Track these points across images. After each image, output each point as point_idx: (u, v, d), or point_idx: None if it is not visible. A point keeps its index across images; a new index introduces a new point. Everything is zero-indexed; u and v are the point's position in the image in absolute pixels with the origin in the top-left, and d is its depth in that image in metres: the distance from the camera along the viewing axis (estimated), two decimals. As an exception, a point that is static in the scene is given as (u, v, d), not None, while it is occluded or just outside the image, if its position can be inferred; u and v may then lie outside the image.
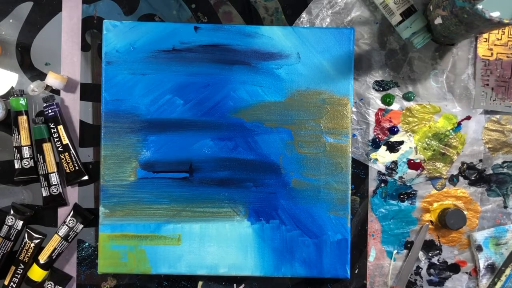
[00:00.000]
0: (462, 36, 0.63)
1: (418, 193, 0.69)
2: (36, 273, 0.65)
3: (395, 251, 0.69)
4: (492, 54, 0.68)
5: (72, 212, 0.66)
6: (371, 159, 0.68)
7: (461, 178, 0.69)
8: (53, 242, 0.66)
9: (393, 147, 0.68)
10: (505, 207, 0.69)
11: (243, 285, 0.69)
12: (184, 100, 0.65)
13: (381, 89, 0.68)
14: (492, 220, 0.69)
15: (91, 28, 0.68)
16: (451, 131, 0.68)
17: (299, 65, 0.65)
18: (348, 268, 0.65)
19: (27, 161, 0.66)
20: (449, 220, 0.65)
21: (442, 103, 0.68)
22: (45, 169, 0.66)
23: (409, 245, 0.69)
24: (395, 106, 0.68)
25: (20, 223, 0.65)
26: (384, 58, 0.68)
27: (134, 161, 0.65)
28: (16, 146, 0.66)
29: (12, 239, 0.65)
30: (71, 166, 0.67)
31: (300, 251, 0.65)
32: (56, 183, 0.66)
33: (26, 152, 0.66)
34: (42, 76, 0.68)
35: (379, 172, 0.69)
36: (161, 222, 0.65)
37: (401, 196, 0.69)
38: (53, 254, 0.66)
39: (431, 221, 0.69)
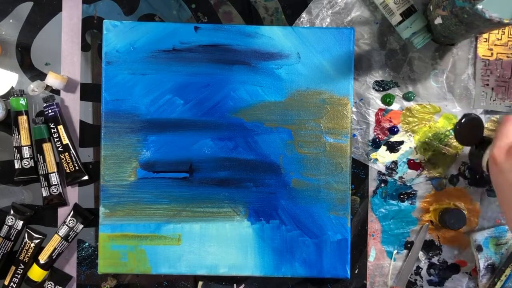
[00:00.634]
0: (462, 36, 0.63)
1: (418, 193, 0.69)
2: (36, 273, 0.65)
3: (395, 251, 0.69)
4: (492, 54, 0.68)
5: (72, 212, 0.66)
6: (371, 159, 0.68)
7: (461, 178, 0.69)
8: (53, 242, 0.66)
9: (393, 147, 0.68)
10: (505, 207, 0.69)
11: (243, 285, 0.69)
12: (184, 100, 0.65)
13: (381, 89, 0.68)
14: (492, 220, 0.69)
15: (91, 28, 0.68)
16: (451, 131, 0.68)
17: (299, 65, 0.65)
18: (348, 268, 0.65)
19: (27, 161, 0.66)
20: (449, 220, 0.65)
21: (442, 103, 0.68)
22: (45, 169, 0.66)
23: (409, 245, 0.69)
24: (395, 106, 0.68)
25: (20, 223, 0.65)
26: (384, 58, 0.68)
27: (134, 161, 0.65)
28: (16, 146, 0.66)
29: (12, 239, 0.65)
30: (71, 166, 0.67)
31: (300, 251, 0.65)
32: (56, 183, 0.66)
33: (26, 152, 0.66)
34: (42, 76, 0.68)
35: (379, 172, 0.69)
36: (161, 222, 0.65)
37: (401, 196, 0.69)
38: (53, 254, 0.66)
39: (431, 221, 0.69)
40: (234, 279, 0.68)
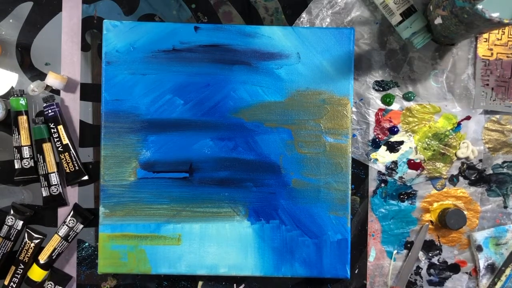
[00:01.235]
0: (462, 36, 0.63)
1: (418, 193, 0.69)
2: (36, 273, 0.65)
3: (395, 251, 0.69)
4: (492, 54, 0.68)
5: (72, 212, 0.66)
6: (371, 159, 0.68)
7: (461, 178, 0.69)
8: (53, 242, 0.66)
9: (393, 147, 0.68)
10: (505, 207, 0.69)
11: (243, 285, 0.69)
12: (184, 100, 0.65)
13: (381, 89, 0.68)
14: (492, 220, 0.69)
15: (91, 28, 0.68)
16: (451, 131, 0.68)
17: (299, 65, 0.65)
18: (348, 268, 0.65)
19: (27, 161, 0.66)
20: (449, 220, 0.65)
21: (442, 103, 0.68)
22: (45, 169, 0.66)
23: (409, 245, 0.69)
24: (395, 106, 0.68)
25: (20, 223, 0.65)
26: (384, 58, 0.68)
27: (134, 161, 0.65)
28: (16, 146, 0.66)
29: (12, 239, 0.65)
30: (71, 166, 0.67)
31: (300, 251, 0.65)
32: (56, 183, 0.66)
33: (26, 152, 0.66)
34: (42, 76, 0.68)
35: (379, 172, 0.69)
36: (161, 222, 0.65)
37: (401, 196, 0.69)
38: (53, 254, 0.66)
39: (431, 221, 0.69)
40: (234, 279, 0.68)
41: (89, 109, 0.68)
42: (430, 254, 0.69)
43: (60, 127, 0.66)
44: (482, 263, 0.68)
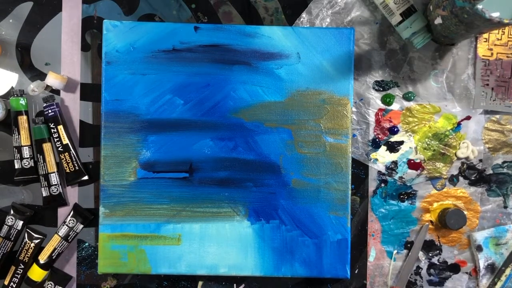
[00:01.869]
0: (462, 36, 0.63)
1: (418, 193, 0.69)
2: (36, 273, 0.65)
3: (395, 251, 0.69)
4: (492, 54, 0.68)
5: (72, 212, 0.66)
6: (371, 159, 0.68)
7: (461, 178, 0.69)
8: (53, 242, 0.66)
9: (393, 147, 0.68)
10: (505, 207, 0.69)
11: (243, 285, 0.69)
12: (184, 100, 0.65)
13: (381, 89, 0.68)
14: (492, 220, 0.69)
15: (91, 28, 0.68)
16: (451, 131, 0.68)
17: (299, 65, 0.65)
18: (348, 268, 0.65)
19: (27, 161, 0.66)
20: (449, 220, 0.65)
21: (442, 103, 0.68)
22: (45, 169, 0.66)
23: (409, 245, 0.69)
24: (395, 106, 0.68)
25: (20, 223, 0.65)
26: (384, 58, 0.68)
27: (134, 161, 0.65)
28: (16, 146, 0.66)
29: (12, 239, 0.65)
30: (71, 166, 0.67)
31: (300, 251, 0.65)
32: (56, 183, 0.66)
33: (26, 152, 0.66)
34: (42, 76, 0.68)
35: (379, 172, 0.69)
36: (161, 222, 0.65)
37: (401, 196, 0.69)
38: (53, 254, 0.66)
39: (431, 221, 0.69)
40: (234, 279, 0.68)
41: (89, 109, 0.68)
42: (430, 254, 0.69)
43: (60, 127, 0.66)
44: (482, 263, 0.68)
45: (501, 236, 0.68)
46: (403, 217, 0.69)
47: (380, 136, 0.68)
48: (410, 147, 0.69)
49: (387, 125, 0.68)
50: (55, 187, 0.66)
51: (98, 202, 0.65)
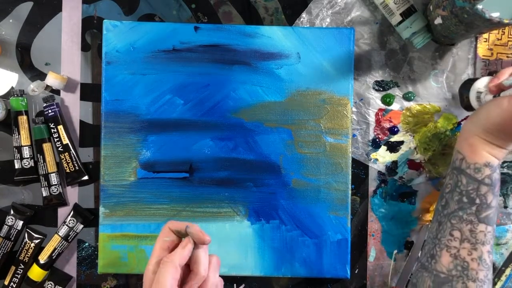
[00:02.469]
0: (462, 36, 0.63)
1: (418, 193, 0.69)
2: (36, 273, 0.65)
3: (395, 251, 0.69)
4: (492, 54, 0.68)
5: (72, 212, 0.66)
6: (371, 159, 0.68)
7: (461, 178, 0.69)
8: (53, 242, 0.66)
9: (393, 147, 0.68)
10: (505, 207, 0.69)
11: (243, 285, 0.69)
12: (184, 100, 0.65)
13: (381, 89, 0.68)
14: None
15: (91, 28, 0.68)
16: (451, 131, 0.68)
17: (299, 65, 0.65)
18: (348, 268, 0.65)
19: (27, 161, 0.66)
20: (449, 220, 0.65)
21: (442, 103, 0.68)
22: (45, 169, 0.66)
23: (409, 245, 0.69)
24: (395, 106, 0.68)
25: (20, 223, 0.65)
26: (384, 58, 0.68)
27: (134, 161, 0.65)
28: (16, 146, 0.66)
29: (12, 239, 0.65)
30: (71, 166, 0.67)
31: (300, 251, 0.65)
32: (56, 183, 0.66)
33: (26, 152, 0.66)
34: (42, 76, 0.68)
35: (379, 172, 0.69)
36: (161, 222, 0.65)
37: (401, 196, 0.69)
38: (53, 254, 0.66)
39: (431, 221, 0.68)
40: (234, 279, 0.68)
41: (89, 109, 0.68)
42: (430, 254, 0.69)
43: (60, 127, 0.66)
44: (482, 263, 0.68)
45: (501, 236, 0.68)
46: (403, 217, 0.69)
47: (380, 136, 0.68)
48: (410, 147, 0.69)
49: (387, 125, 0.68)
50: (55, 187, 0.66)
51: (98, 202, 0.65)
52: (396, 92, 0.68)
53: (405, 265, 0.68)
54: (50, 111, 0.66)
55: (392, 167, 0.69)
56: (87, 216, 0.67)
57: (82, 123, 0.68)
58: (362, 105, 0.68)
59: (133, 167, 0.65)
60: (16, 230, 0.65)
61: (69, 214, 0.66)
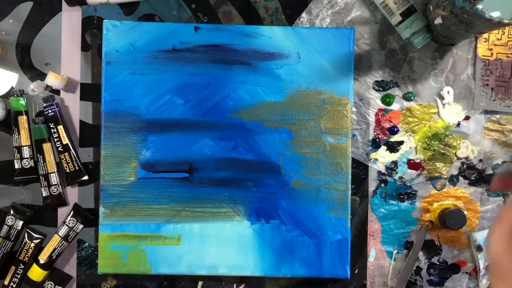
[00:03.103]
0: (462, 36, 0.63)
1: (418, 193, 0.69)
2: (36, 273, 0.65)
3: (395, 251, 0.69)
4: (492, 54, 0.68)
5: (72, 212, 0.66)
6: (371, 159, 0.68)
7: (461, 178, 0.69)
8: (53, 242, 0.66)
9: (393, 147, 0.68)
10: (505, 207, 0.69)
11: (243, 285, 0.69)
12: (184, 100, 0.65)
13: (381, 89, 0.68)
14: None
15: (91, 28, 0.68)
16: (451, 131, 0.68)
17: (299, 65, 0.65)
18: (348, 268, 0.65)
19: (27, 161, 0.66)
20: (449, 220, 0.65)
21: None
22: (45, 169, 0.66)
23: (409, 245, 0.69)
24: (395, 106, 0.68)
25: (20, 223, 0.65)
26: (384, 58, 0.68)
27: (134, 161, 0.65)
28: (16, 146, 0.66)
29: (12, 239, 0.65)
30: (71, 166, 0.67)
31: (300, 251, 0.65)
32: (56, 183, 0.66)
33: (26, 152, 0.66)
34: (42, 76, 0.68)
35: (379, 172, 0.69)
36: (161, 222, 0.65)
37: (401, 196, 0.69)
38: (53, 254, 0.66)
39: (431, 221, 0.69)
40: (234, 279, 0.68)
41: (89, 109, 0.68)
42: (430, 254, 0.69)
43: (60, 127, 0.66)
44: (482, 263, 0.68)
45: (501, 236, 0.68)
46: (403, 217, 0.69)
47: (380, 136, 0.68)
48: (410, 147, 0.69)
49: (387, 125, 0.68)
50: (55, 187, 0.66)
51: (98, 202, 0.65)
52: (396, 92, 0.68)
53: (405, 265, 0.68)
54: (50, 111, 0.66)
55: (392, 167, 0.69)
56: (87, 216, 0.67)
57: (82, 123, 0.68)
58: (362, 105, 0.68)
59: (133, 167, 0.65)
60: (16, 230, 0.65)
61: (69, 214, 0.66)
